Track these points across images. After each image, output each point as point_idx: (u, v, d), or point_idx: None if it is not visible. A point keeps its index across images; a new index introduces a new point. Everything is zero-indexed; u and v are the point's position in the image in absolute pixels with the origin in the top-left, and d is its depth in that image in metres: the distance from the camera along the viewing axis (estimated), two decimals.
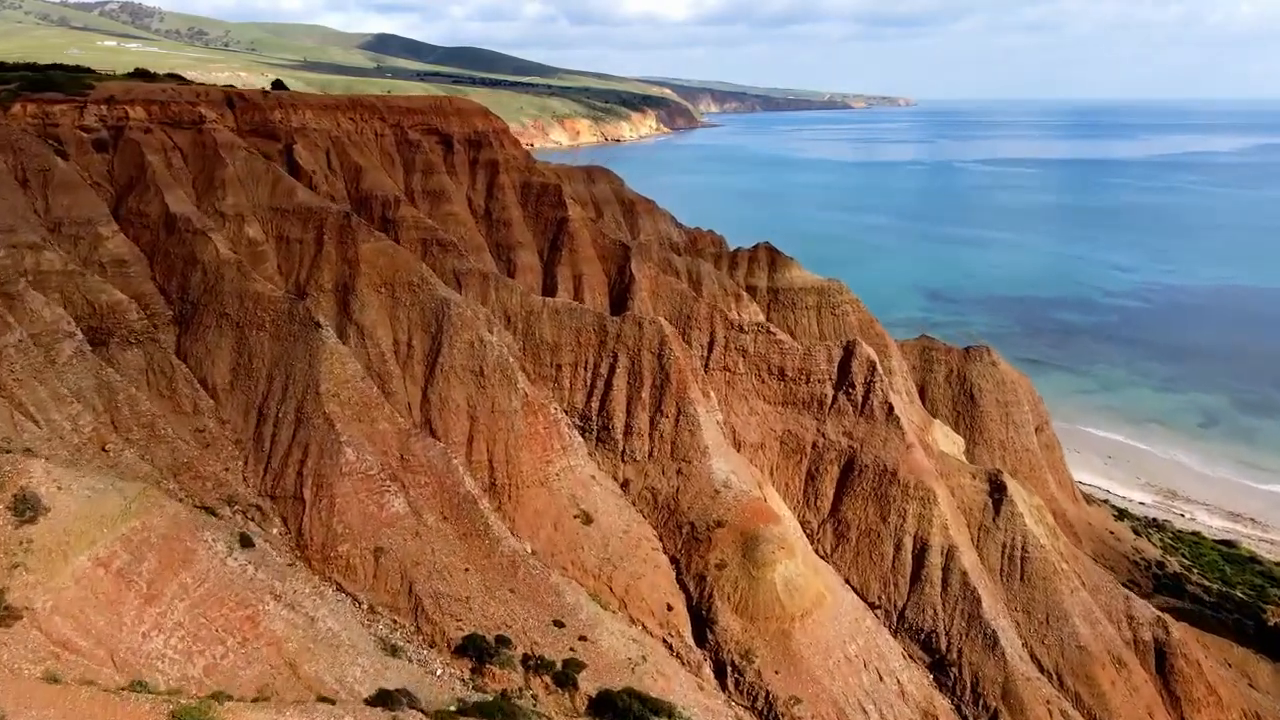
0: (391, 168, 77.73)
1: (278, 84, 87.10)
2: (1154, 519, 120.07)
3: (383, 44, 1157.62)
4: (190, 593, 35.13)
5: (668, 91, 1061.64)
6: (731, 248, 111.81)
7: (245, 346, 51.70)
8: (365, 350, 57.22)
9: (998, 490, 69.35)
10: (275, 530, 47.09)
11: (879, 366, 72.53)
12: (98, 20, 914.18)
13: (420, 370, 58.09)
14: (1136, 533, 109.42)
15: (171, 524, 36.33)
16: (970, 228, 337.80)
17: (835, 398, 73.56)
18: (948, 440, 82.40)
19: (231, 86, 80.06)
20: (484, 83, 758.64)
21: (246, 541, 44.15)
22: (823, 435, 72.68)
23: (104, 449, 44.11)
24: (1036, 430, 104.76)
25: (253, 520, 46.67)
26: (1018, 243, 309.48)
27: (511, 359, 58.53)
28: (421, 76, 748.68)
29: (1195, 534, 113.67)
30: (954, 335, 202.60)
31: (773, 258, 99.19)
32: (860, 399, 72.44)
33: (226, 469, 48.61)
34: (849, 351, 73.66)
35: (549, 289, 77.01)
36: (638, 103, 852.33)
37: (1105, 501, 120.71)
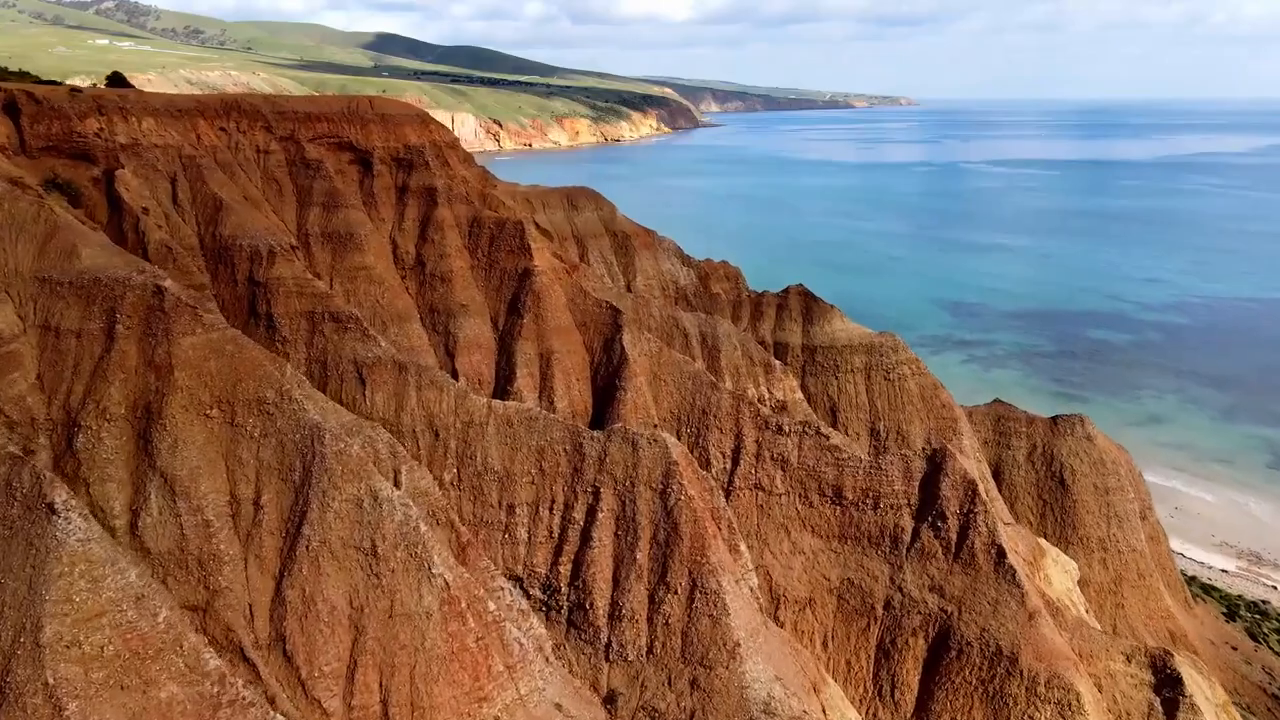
0: (279, 199, 54.24)
1: (115, 79, 63.67)
2: (1254, 602, 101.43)
3: (383, 43, 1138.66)
4: None
5: (669, 91, 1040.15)
6: (748, 281, 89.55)
7: None
8: (176, 520, 34.28)
9: (1168, 684, 46.47)
10: None
11: (981, 489, 49.75)
12: (93, 19, 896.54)
13: (272, 548, 35.17)
14: (1253, 637, 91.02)
15: None
16: (988, 233, 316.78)
17: (917, 532, 50.65)
18: (1058, 569, 59.45)
19: (34, 83, 54.67)
20: (484, 82, 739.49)
21: None
22: (899, 590, 49.82)
23: None
24: (1140, 518, 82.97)
25: None
26: (1040, 249, 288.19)
27: (423, 526, 35.59)
28: (419, 76, 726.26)
29: None
30: (983, 355, 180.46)
31: (807, 306, 76.04)
32: (954, 537, 49.53)
33: None
34: (936, 464, 50.75)
35: (505, 374, 53.82)
36: (638, 102, 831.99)
37: (1192, 578, 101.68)
